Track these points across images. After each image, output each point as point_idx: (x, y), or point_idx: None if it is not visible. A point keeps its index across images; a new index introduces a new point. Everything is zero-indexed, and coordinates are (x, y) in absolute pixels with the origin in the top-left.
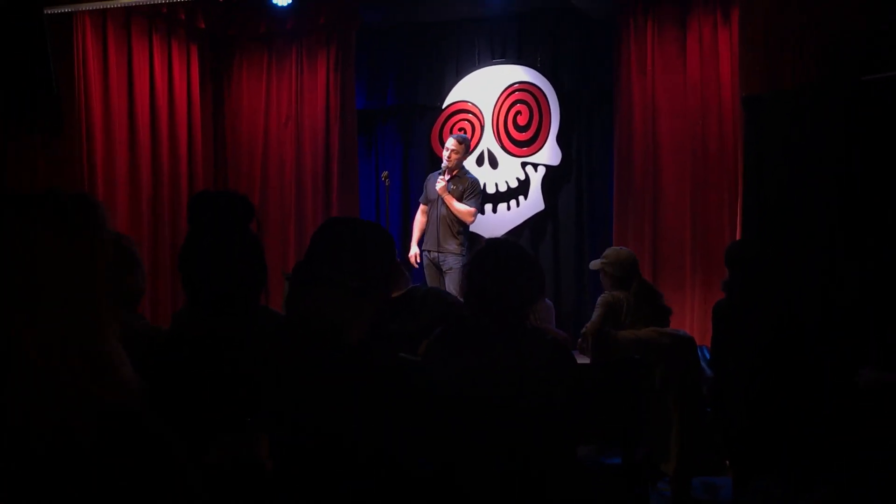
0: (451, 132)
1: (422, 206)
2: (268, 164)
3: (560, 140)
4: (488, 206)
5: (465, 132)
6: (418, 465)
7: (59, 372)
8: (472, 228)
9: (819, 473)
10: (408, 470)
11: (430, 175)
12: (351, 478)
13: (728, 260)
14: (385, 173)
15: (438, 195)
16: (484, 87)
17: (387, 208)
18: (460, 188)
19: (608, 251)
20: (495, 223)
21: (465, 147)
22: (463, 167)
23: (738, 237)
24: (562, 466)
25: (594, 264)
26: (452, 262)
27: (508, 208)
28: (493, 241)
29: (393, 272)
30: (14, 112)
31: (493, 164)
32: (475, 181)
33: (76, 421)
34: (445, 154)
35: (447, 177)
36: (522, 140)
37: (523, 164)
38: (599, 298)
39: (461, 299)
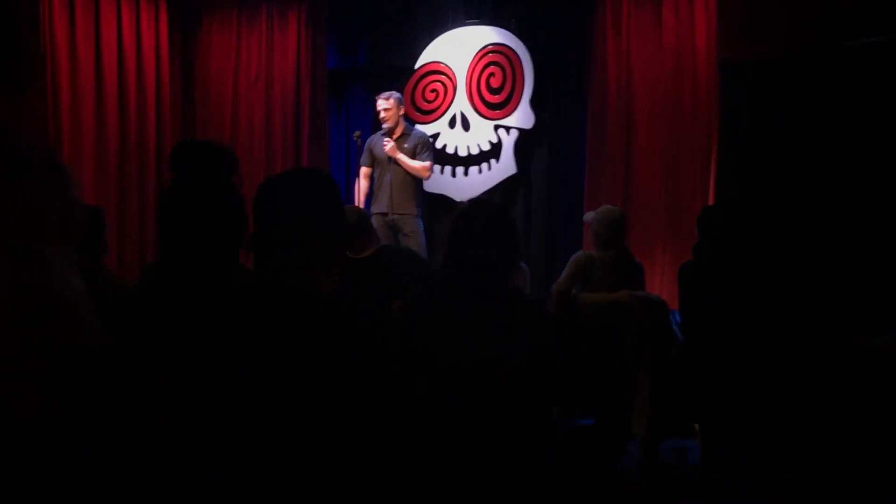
0: (423, 93)
1: (364, 170)
2: (237, 123)
3: (533, 103)
4: (460, 170)
5: (438, 94)
6: (394, 424)
7: (11, 313)
8: (444, 192)
9: (789, 443)
10: (384, 428)
11: (373, 136)
12: (326, 433)
13: (699, 224)
14: (357, 133)
15: (387, 157)
16: (457, 48)
17: (358, 168)
18: (410, 146)
19: (601, 208)
20: (467, 186)
21: (397, 101)
22: (406, 123)
23: (710, 202)
24: (539, 428)
25: (587, 216)
26: (412, 224)
27: (480, 171)
28: (477, 203)
29: (359, 229)
30: None
31: (466, 126)
32: (423, 135)
33: (39, 363)
34: (381, 116)
35: (393, 137)
36: (495, 102)
37: (496, 127)
38: (572, 257)
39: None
